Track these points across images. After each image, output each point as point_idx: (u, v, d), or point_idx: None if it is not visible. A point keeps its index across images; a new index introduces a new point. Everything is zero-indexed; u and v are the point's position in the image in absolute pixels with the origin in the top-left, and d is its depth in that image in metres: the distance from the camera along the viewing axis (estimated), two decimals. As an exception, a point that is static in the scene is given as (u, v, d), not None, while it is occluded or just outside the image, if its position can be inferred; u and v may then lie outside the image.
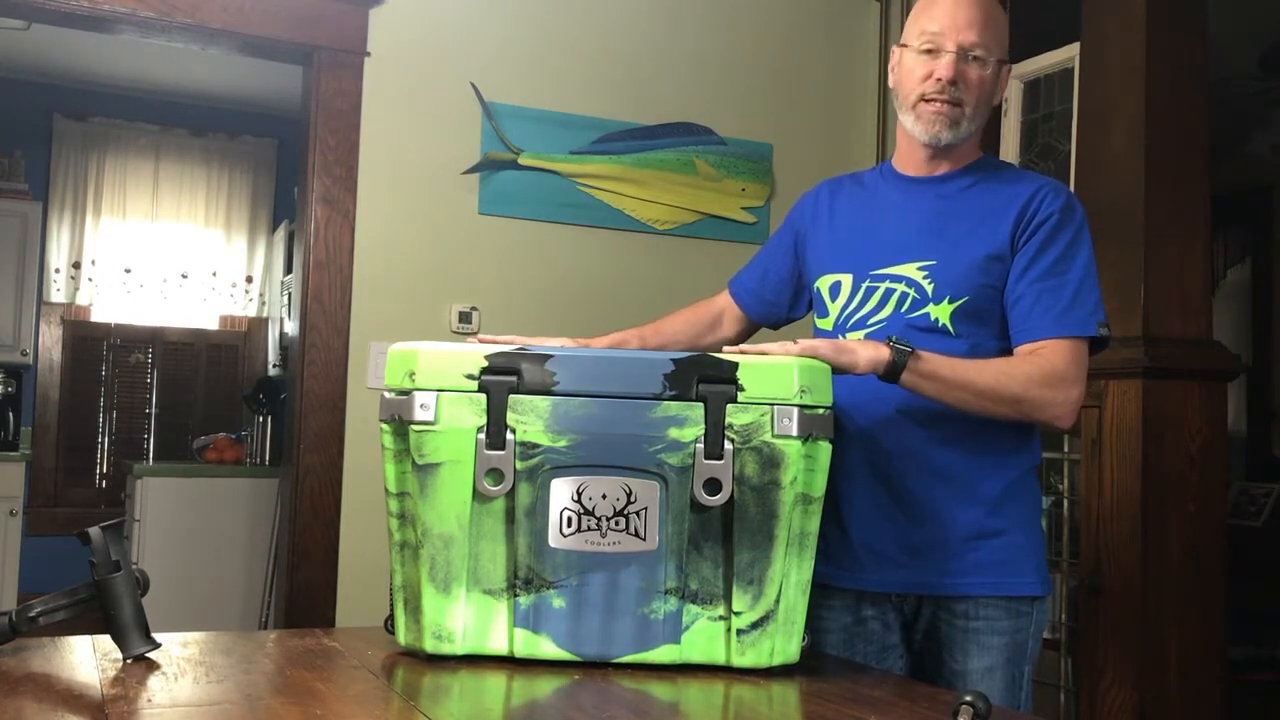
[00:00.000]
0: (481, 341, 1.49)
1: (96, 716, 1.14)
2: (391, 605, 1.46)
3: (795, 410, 1.38)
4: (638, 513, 1.39)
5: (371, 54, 3.16)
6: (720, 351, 1.44)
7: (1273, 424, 5.26)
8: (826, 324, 1.81)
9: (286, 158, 6.25)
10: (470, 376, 1.38)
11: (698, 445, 1.37)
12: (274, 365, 5.80)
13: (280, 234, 5.78)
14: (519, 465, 1.38)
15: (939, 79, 1.71)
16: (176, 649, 1.43)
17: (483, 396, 1.38)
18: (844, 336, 1.74)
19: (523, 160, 3.29)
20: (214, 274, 6.23)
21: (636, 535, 1.39)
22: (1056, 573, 2.76)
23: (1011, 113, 3.31)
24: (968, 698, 1.17)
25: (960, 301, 1.70)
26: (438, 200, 3.22)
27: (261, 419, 5.25)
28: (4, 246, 5.52)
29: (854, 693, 1.36)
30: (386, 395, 1.43)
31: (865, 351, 1.56)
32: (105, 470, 6.15)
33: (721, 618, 1.41)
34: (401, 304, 3.16)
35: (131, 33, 3.14)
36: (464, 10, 3.27)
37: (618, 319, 2.12)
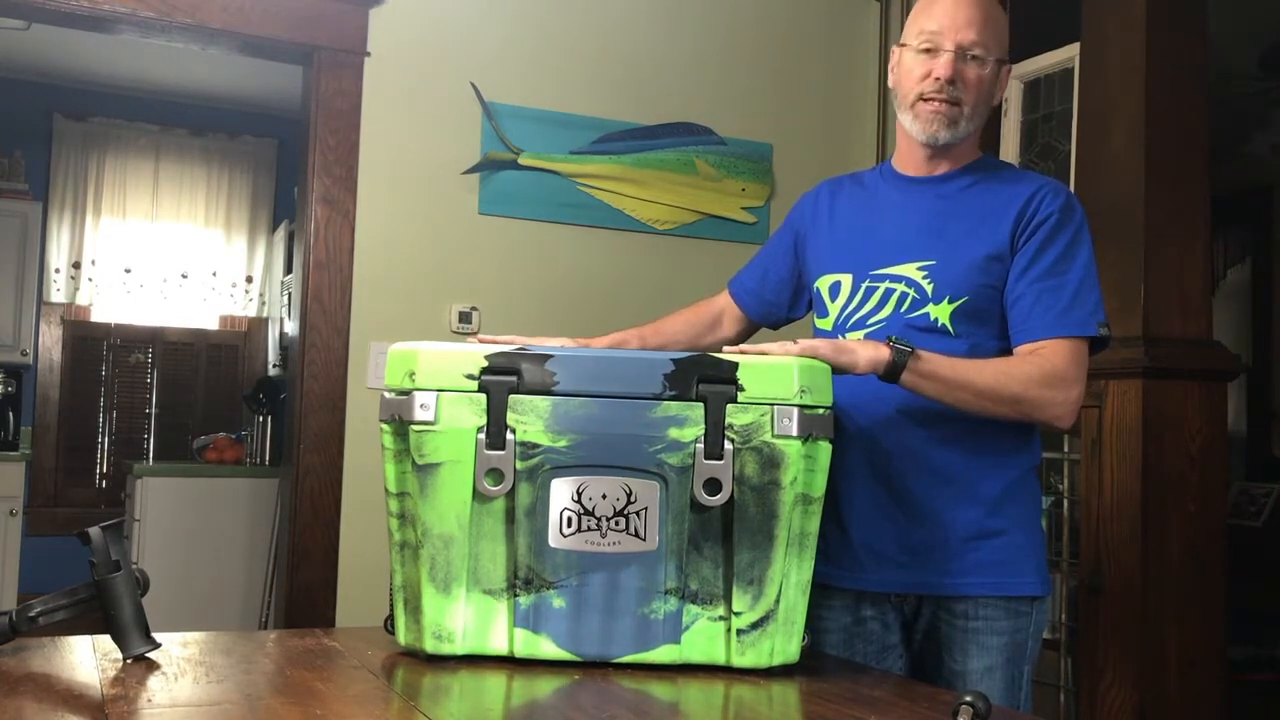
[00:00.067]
0: (481, 341, 1.49)
1: (96, 716, 1.14)
2: (391, 605, 1.46)
3: (795, 410, 1.38)
4: (638, 513, 1.39)
5: (371, 54, 3.16)
6: (720, 351, 1.44)
7: (1273, 424, 5.26)
8: (826, 324, 1.81)
9: (286, 158, 6.25)
10: (470, 376, 1.38)
11: (698, 445, 1.37)
12: (274, 365, 5.80)
13: (280, 234, 5.78)
14: (519, 465, 1.38)
15: (937, 78, 1.71)
16: (176, 649, 1.43)
17: (483, 396, 1.38)
18: (844, 336, 1.74)
19: (523, 160, 3.29)
20: (214, 274, 6.23)
21: (636, 535, 1.39)
22: (1056, 573, 2.76)
23: (1011, 113, 3.31)
24: (967, 698, 1.18)
25: (960, 301, 1.70)
26: (438, 200, 3.22)
27: (261, 419, 5.25)
28: (4, 246, 5.52)
29: (854, 693, 1.36)
30: (386, 395, 1.43)
31: (865, 351, 1.56)
32: (105, 470, 6.15)
33: (721, 618, 1.41)
34: (401, 304, 3.16)
35: (131, 33, 3.14)
36: (464, 10, 3.27)
37: (618, 319, 2.12)
